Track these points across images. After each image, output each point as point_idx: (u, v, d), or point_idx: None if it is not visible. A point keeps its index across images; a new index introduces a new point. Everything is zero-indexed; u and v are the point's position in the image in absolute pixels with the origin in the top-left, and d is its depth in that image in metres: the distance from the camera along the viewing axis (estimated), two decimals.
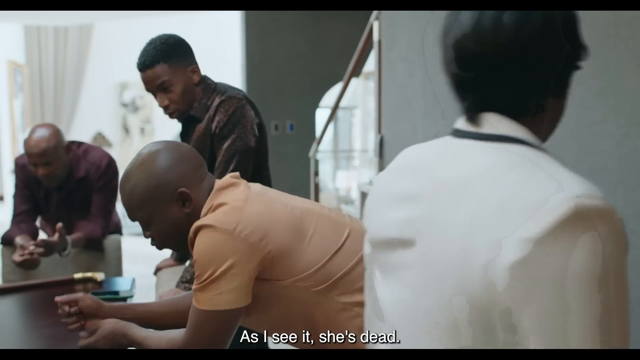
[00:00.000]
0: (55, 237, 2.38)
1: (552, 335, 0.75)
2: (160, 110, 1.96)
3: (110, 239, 2.76)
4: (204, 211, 1.37)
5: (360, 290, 1.35)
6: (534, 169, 0.80)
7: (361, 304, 1.34)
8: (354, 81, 5.50)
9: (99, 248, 2.68)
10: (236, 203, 1.34)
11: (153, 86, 1.96)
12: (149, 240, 1.47)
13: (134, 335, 1.45)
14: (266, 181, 2.10)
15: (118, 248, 2.78)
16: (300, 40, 6.51)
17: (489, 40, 0.84)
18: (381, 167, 3.48)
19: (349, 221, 1.45)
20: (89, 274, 2.32)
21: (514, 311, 0.76)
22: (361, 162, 9.93)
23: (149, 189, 1.38)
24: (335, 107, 4.54)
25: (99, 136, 11.36)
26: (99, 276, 2.30)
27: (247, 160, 1.97)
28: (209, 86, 2.04)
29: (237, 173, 1.47)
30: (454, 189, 0.84)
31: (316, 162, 4.80)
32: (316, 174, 4.76)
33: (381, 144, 3.47)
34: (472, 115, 0.89)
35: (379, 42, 3.48)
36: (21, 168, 2.67)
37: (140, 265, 5.50)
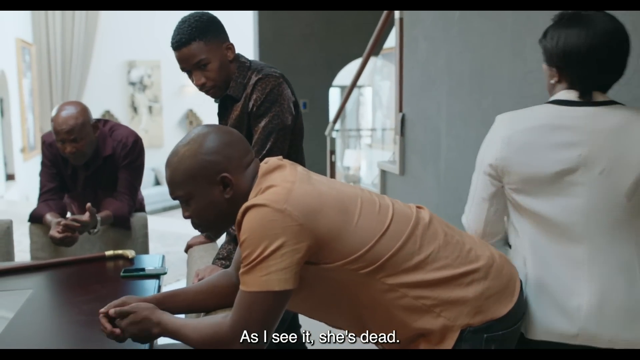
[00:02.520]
0: (86, 215, 2.39)
1: None
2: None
3: (137, 216, 2.77)
4: (252, 194, 1.36)
5: (406, 270, 1.36)
6: None
7: (407, 285, 1.35)
8: (360, 60, 5.49)
9: (126, 226, 2.69)
10: (285, 184, 1.33)
11: (189, 64, 1.94)
12: (189, 220, 1.46)
13: (168, 324, 1.40)
14: (301, 160, 2.09)
15: (144, 226, 2.78)
16: (313, 18, 6.46)
17: (621, 44, 1.43)
18: (402, 145, 3.48)
19: (390, 203, 1.45)
20: (119, 252, 2.33)
21: None
22: (371, 142, 9.90)
23: (193, 167, 1.38)
24: (353, 86, 4.52)
25: (107, 115, 11.34)
26: (130, 253, 2.32)
27: (284, 138, 1.96)
28: (243, 64, 2.03)
29: (281, 155, 1.47)
30: (611, 133, 1.40)
31: (332, 140, 4.80)
32: (332, 152, 4.75)
33: (403, 122, 3.47)
34: (587, 92, 1.44)
35: (401, 19, 3.45)
36: (48, 146, 2.67)
37: (156, 243, 5.54)
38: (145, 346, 1.48)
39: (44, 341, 1.62)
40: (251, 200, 1.32)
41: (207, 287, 1.62)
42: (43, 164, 2.73)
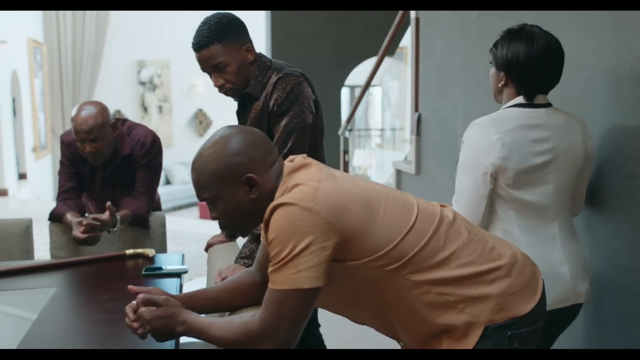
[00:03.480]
0: (106, 214, 2.40)
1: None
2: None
3: (155, 215, 2.78)
4: (278, 193, 1.38)
5: (430, 267, 1.36)
6: (572, 112, 1.84)
7: (431, 281, 1.36)
8: (371, 60, 5.46)
9: (144, 225, 2.71)
10: (312, 183, 1.34)
11: (208, 66, 1.96)
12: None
13: (194, 323, 1.40)
14: (321, 158, 2.10)
15: (162, 225, 2.80)
16: (325, 18, 6.46)
17: (555, 55, 1.75)
18: (418, 145, 3.47)
19: (415, 200, 1.45)
20: (140, 250, 2.34)
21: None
22: (382, 141, 9.88)
23: (218, 169, 1.39)
24: (367, 86, 4.52)
25: (117, 114, 11.38)
26: (150, 252, 2.33)
27: (305, 137, 1.97)
28: (264, 64, 2.03)
29: (305, 154, 1.47)
30: (562, 128, 1.76)
31: (345, 140, 4.79)
32: (345, 152, 4.75)
33: (418, 122, 3.46)
34: (533, 96, 1.77)
35: (417, 19, 3.45)
36: (67, 145, 2.69)
37: (169, 242, 5.52)
38: (171, 345, 1.49)
39: (70, 340, 1.63)
40: (279, 199, 1.32)
41: (231, 287, 1.62)
42: (62, 163, 2.74)
